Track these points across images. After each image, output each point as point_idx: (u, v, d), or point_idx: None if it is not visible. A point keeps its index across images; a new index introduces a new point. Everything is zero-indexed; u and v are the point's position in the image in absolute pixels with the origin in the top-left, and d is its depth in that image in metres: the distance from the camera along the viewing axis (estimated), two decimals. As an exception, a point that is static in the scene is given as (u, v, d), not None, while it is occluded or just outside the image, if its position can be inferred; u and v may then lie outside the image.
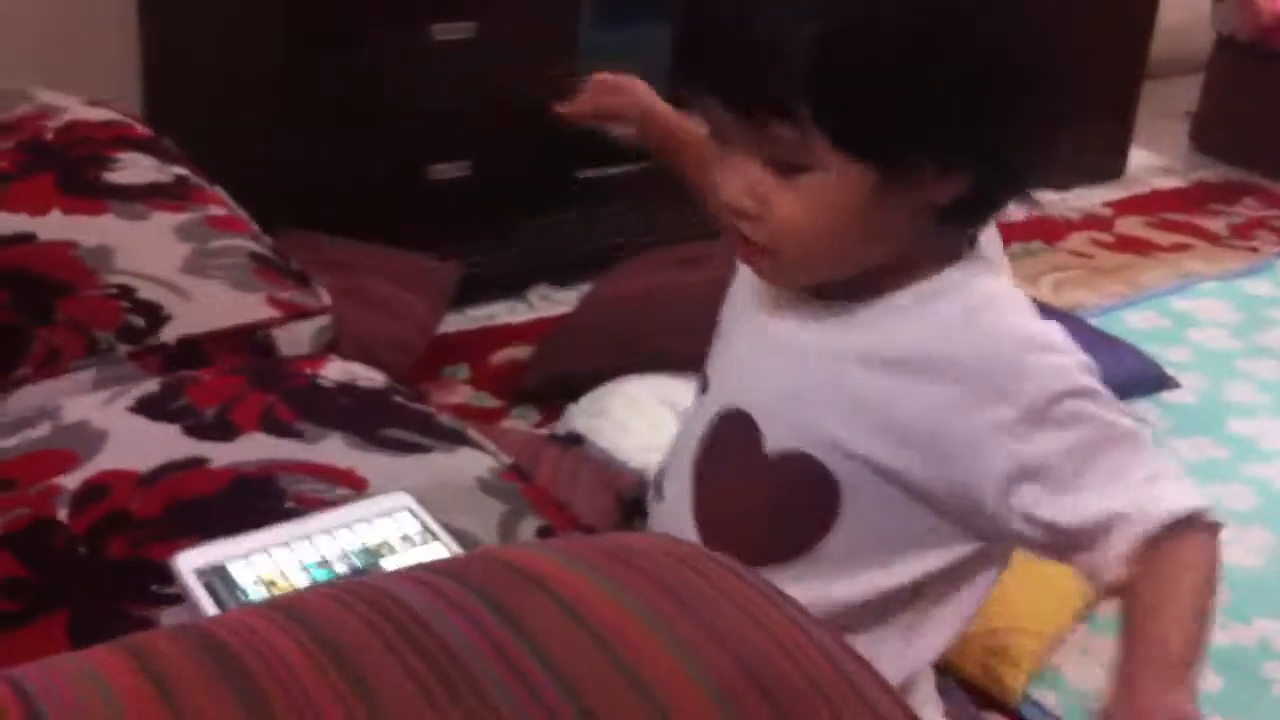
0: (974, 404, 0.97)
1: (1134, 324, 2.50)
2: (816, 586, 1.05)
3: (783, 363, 1.06)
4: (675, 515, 1.14)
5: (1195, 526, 0.96)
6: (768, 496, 1.07)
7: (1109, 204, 3.08)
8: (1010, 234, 2.85)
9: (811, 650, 0.55)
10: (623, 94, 1.29)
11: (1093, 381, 0.99)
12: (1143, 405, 2.19)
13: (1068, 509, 0.97)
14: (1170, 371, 2.24)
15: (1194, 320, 2.54)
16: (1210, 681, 1.64)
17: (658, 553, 0.59)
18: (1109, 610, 1.73)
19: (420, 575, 0.58)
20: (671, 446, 1.17)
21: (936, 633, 1.11)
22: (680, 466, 1.14)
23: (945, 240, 1.02)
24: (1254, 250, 2.90)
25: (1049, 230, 2.92)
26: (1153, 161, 3.32)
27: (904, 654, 1.10)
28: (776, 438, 1.05)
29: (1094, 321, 2.41)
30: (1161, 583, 0.95)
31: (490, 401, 2.13)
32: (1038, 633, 1.62)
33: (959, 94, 0.93)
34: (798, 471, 1.04)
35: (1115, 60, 3.11)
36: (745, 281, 1.12)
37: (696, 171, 1.22)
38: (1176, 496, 0.97)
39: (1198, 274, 2.75)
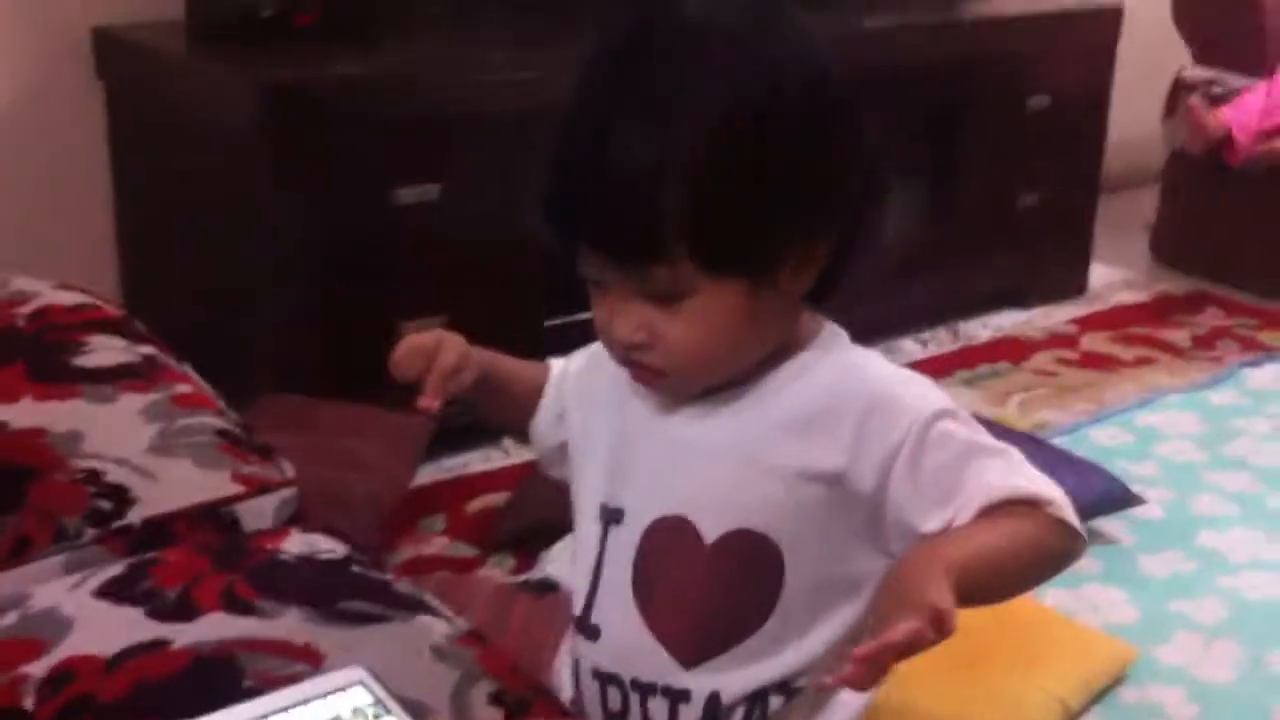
0: (866, 441, 1.10)
1: (1100, 441, 2.54)
2: (784, 653, 1.16)
3: (699, 463, 1.15)
4: (623, 645, 1.19)
5: (1045, 510, 1.09)
6: (717, 580, 1.15)
7: (1073, 321, 3.15)
8: (976, 356, 2.94)
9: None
10: (450, 355, 1.21)
11: (953, 404, 1.13)
12: (1111, 523, 2.23)
13: (937, 519, 1.09)
14: (1137, 487, 2.27)
15: (1159, 434, 2.58)
16: (1183, 798, 1.67)
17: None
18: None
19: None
20: (589, 587, 1.22)
21: None
22: (614, 598, 1.19)
23: (804, 322, 1.17)
24: (1217, 360, 2.95)
25: (1014, 350, 2.99)
26: (1115, 276, 3.39)
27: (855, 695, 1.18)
28: (713, 526, 1.14)
29: (1060, 440, 2.46)
30: (991, 520, 1.07)
31: (467, 550, 2.16)
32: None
33: (802, 205, 1.07)
34: (740, 547, 1.14)
35: (1067, 179, 3.20)
36: (611, 405, 1.20)
37: (517, 404, 1.31)
38: (1038, 484, 1.10)
39: (1163, 387, 2.80)
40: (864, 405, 1.10)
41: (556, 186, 1.10)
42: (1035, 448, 2.26)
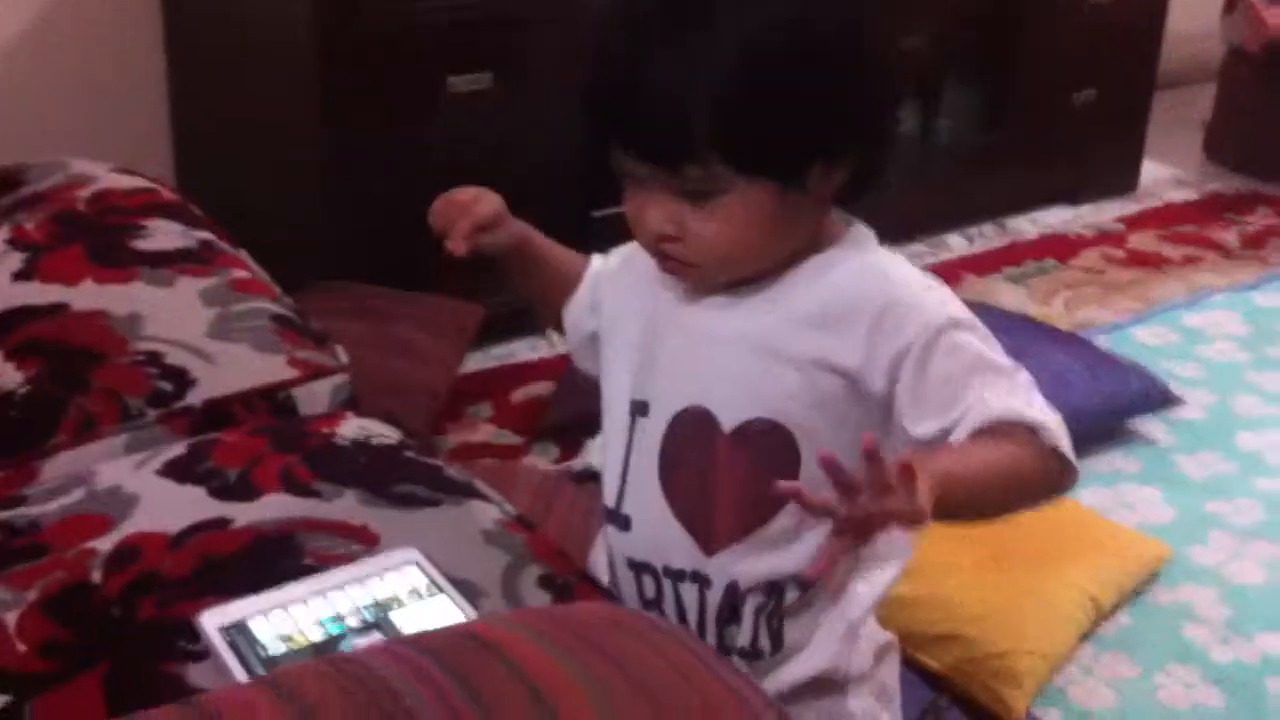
0: (878, 342, 1.13)
1: (1144, 339, 2.55)
2: (799, 545, 1.18)
3: (719, 352, 1.18)
4: (652, 533, 1.22)
5: (1041, 437, 1.10)
6: (736, 468, 1.18)
7: (1122, 219, 3.13)
8: (1024, 252, 2.94)
9: (732, 703, 0.62)
10: (486, 207, 1.24)
11: (970, 316, 1.15)
12: (1149, 422, 2.24)
13: (932, 425, 1.11)
14: (1179, 387, 2.28)
15: (1203, 335, 2.58)
16: (1211, 697, 1.70)
17: (600, 621, 0.66)
18: (1112, 630, 1.79)
19: (400, 650, 0.65)
20: (620, 479, 1.25)
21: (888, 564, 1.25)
22: (643, 489, 1.23)
23: (831, 223, 1.19)
24: (1264, 261, 2.94)
25: (1062, 247, 2.98)
26: (1166, 173, 3.36)
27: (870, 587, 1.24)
28: (732, 415, 1.18)
29: (1103, 339, 2.47)
30: (985, 440, 1.08)
31: (512, 438, 2.20)
32: (1038, 653, 1.67)
33: (833, 110, 1.10)
34: (756, 435, 1.17)
35: (1124, 75, 3.16)
36: (641, 302, 1.23)
37: (552, 283, 1.33)
38: (1038, 410, 1.11)
39: (1208, 287, 2.80)
40: (880, 305, 1.13)
41: (594, 88, 1.13)
42: (1077, 346, 2.27)
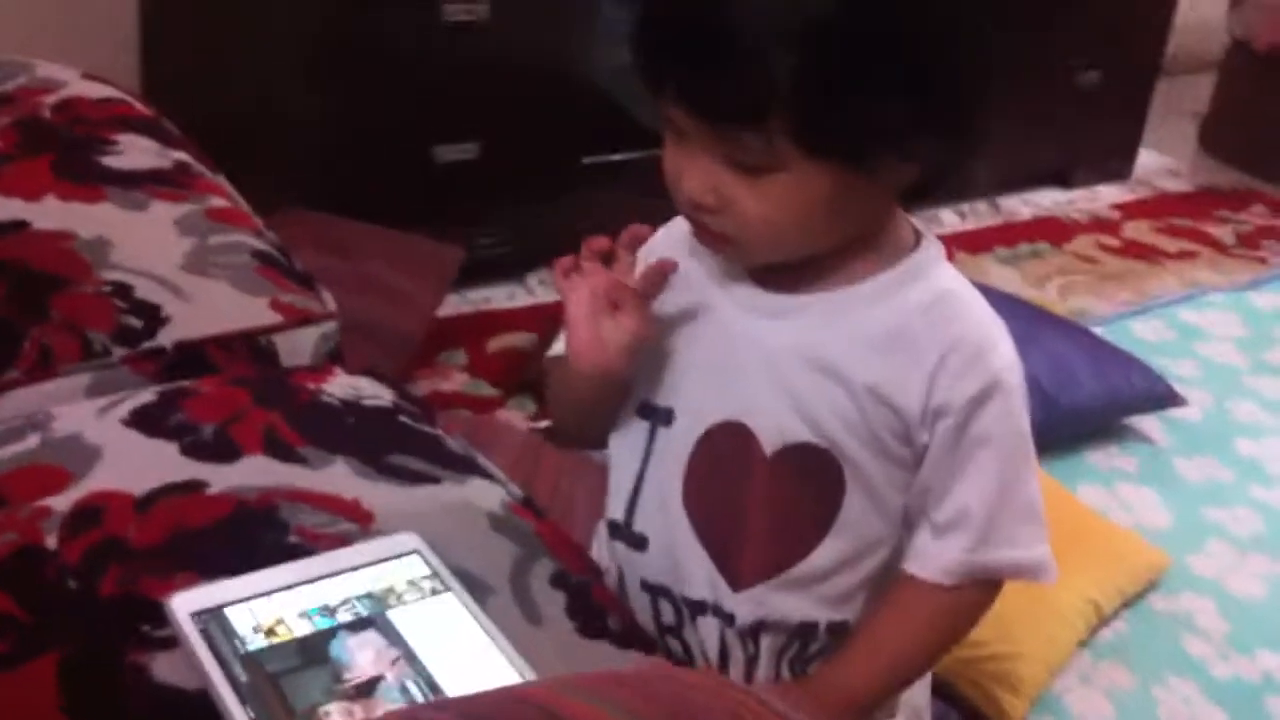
0: (941, 381, 1.02)
1: (1141, 334, 2.47)
2: (829, 585, 1.08)
3: (768, 364, 1.05)
4: (672, 557, 1.10)
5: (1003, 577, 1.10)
6: (777, 494, 1.06)
7: (1116, 206, 3.05)
8: (1017, 234, 2.85)
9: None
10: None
11: (1022, 381, 1.06)
12: (1147, 421, 2.17)
13: (944, 493, 1.05)
14: (1177, 386, 2.21)
15: (1201, 333, 2.51)
16: (1211, 715, 1.63)
17: (697, 691, 0.56)
18: (1110, 637, 1.71)
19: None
20: (632, 492, 1.12)
21: None
22: (662, 507, 1.10)
23: (902, 227, 1.06)
24: (1261, 261, 2.87)
25: (1055, 231, 2.90)
26: (1160, 163, 3.29)
27: None
28: (774, 437, 1.05)
29: (1101, 330, 2.38)
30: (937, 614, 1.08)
31: (487, 390, 2.09)
32: (1039, 659, 1.61)
33: (919, 94, 0.95)
34: (802, 460, 1.05)
35: (1130, 58, 3.07)
36: (685, 299, 1.09)
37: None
38: (1016, 553, 1.08)
39: (1205, 284, 2.72)
40: (947, 343, 1.02)
41: (656, 30, 0.98)
42: (1080, 336, 2.19)
